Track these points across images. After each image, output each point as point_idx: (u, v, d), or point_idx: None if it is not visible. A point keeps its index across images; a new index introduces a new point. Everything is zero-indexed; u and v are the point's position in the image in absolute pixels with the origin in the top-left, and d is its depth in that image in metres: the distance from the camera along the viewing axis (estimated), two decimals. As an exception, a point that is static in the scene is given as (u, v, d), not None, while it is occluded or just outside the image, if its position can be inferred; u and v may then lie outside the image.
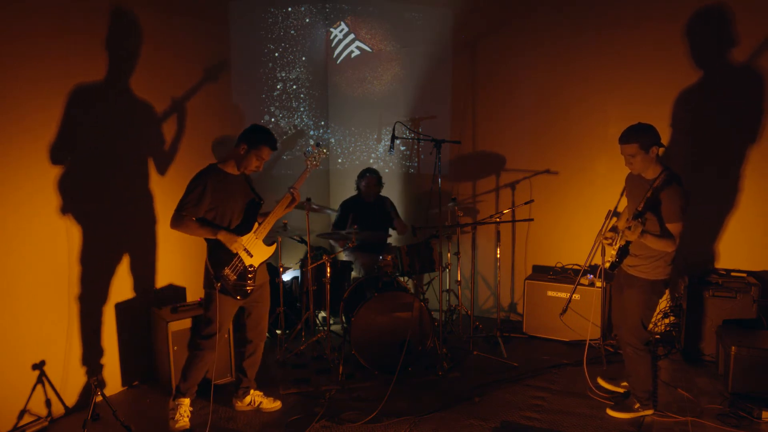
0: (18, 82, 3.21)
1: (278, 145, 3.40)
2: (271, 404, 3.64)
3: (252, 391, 3.63)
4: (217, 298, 3.23)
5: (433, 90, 5.59)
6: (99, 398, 3.22)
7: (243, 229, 3.32)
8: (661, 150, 3.26)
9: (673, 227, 3.17)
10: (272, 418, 3.50)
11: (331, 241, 5.63)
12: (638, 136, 3.20)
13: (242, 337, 3.58)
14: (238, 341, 3.59)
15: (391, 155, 5.82)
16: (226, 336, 3.87)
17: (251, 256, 3.34)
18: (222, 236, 3.21)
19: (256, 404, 3.62)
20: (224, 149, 4.70)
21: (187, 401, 3.33)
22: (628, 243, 3.30)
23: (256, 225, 3.38)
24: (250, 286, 3.34)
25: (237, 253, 3.27)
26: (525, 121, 5.18)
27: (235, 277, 3.28)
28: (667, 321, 4.63)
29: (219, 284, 3.20)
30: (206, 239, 3.28)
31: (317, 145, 3.65)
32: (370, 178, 5.19)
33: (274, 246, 3.48)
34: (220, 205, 3.25)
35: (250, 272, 3.34)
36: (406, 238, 5.40)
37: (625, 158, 3.29)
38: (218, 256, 3.25)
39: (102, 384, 3.71)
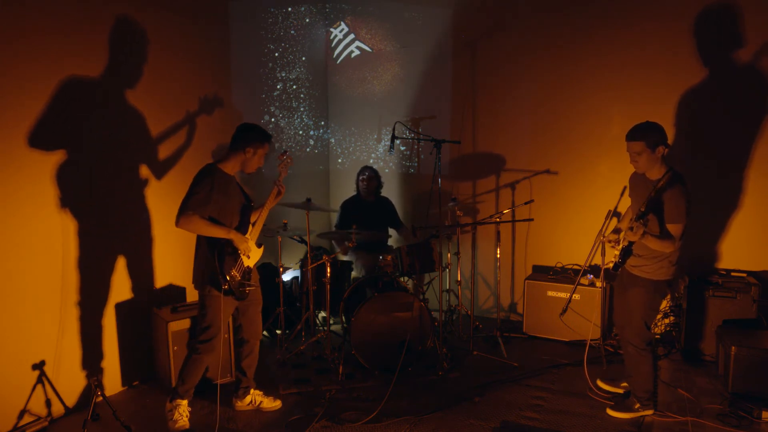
0: (18, 81, 3.21)
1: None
2: (271, 403, 3.63)
3: (252, 391, 3.63)
4: (221, 301, 3.20)
5: (432, 90, 5.59)
6: (99, 398, 3.21)
7: (240, 230, 3.31)
8: (667, 150, 3.24)
9: (674, 228, 3.17)
10: (272, 418, 3.50)
11: (333, 242, 5.64)
12: (645, 134, 3.18)
13: (239, 338, 3.57)
14: (237, 342, 3.60)
15: (391, 155, 5.82)
16: (226, 336, 3.86)
17: (248, 258, 3.35)
18: (234, 236, 3.21)
19: (257, 404, 3.62)
20: (223, 150, 4.70)
21: (184, 402, 3.33)
22: (631, 243, 3.28)
23: (250, 227, 3.39)
24: (249, 287, 3.34)
25: (240, 254, 3.28)
26: (525, 121, 5.18)
27: (239, 277, 3.27)
28: (667, 321, 4.62)
29: (226, 285, 3.17)
30: (208, 239, 3.23)
31: (284, 153, 3.62)
32: (367, 174, 5.24)
33: (263, 248, 3.49)
34: (222, 206, 3.23)
35: (248, 273, 3.36)
36: (406, 238, 5.40)
37: (630, 155, 3.27)
38: (225, 257, 3.22)
39: (101, 384, 3.71)
